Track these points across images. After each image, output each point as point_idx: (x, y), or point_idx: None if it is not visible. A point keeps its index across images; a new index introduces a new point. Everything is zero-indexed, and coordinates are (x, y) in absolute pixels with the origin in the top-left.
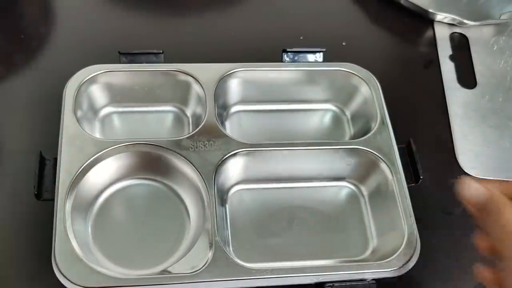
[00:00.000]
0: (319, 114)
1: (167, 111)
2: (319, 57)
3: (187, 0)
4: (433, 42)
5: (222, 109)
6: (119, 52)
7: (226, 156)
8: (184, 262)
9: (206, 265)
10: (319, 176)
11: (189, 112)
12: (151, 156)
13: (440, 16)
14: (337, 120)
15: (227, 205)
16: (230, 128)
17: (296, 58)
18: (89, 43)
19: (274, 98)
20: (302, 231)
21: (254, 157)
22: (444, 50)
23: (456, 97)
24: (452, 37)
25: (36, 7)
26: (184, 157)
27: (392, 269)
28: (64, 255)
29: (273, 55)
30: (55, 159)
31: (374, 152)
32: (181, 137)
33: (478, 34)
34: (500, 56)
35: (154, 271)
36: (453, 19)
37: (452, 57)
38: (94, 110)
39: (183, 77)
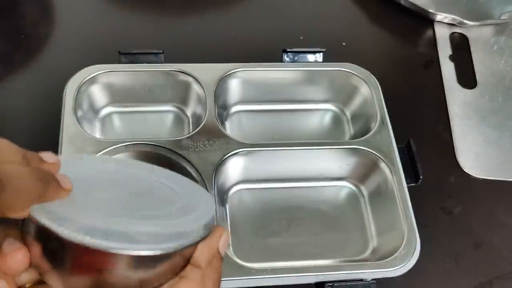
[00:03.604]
0: (319, 114)
1: (167, 111)
2: (319, 57)
3: (187, 0)
4: (433, 42)
5: (222, 109)
6: (119, 52)
7: (226, 156)
8: None
9: None
10: (319, 176)
11: (189, 112)
12: (151, 156)
13: (440, 16)
14: (337, 120)
15: (227, 205)
16: (230, 128)
17: (296, 58)
18: (89, 43)
19: (274, 98)
20: (302, 231)
21: (254, 157)
22: (444, 50)
23: (456, 97)
24: (452, 37)
25: (36, 7)
26: (184, 157)
27: (392, 269)
28: None
29: (273, 55)
30: None
31: (374, 152)
32: (181, 137)
33: (478, 34)
34: (500, 56)
35: None
36: (453, 19)
37: (452, 57)
38: (94, 110)
39: (183, 77)
